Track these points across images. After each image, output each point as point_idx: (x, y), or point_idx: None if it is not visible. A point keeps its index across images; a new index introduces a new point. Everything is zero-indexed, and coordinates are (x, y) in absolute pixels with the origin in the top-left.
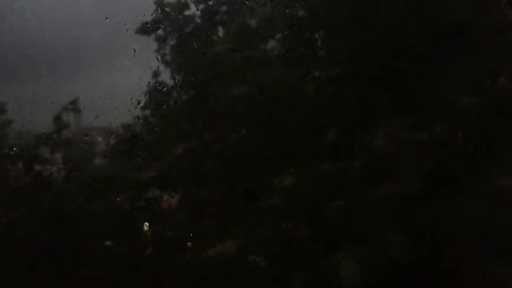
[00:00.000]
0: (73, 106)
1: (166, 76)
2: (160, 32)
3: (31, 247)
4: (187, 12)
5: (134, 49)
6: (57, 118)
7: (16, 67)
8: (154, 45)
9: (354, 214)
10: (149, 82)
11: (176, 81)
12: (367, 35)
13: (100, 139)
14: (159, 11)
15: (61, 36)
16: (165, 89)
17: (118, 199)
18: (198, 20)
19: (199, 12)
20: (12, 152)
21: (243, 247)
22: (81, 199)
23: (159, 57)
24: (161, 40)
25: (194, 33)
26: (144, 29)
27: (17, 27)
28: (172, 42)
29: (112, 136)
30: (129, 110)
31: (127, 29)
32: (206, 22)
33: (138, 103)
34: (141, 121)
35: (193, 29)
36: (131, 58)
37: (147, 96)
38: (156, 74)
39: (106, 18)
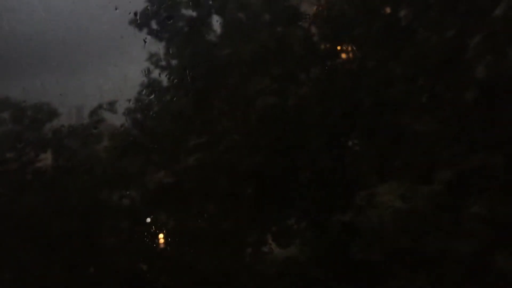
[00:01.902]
0: (111, 107)
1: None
2: (153, 25)
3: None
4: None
5: (145, 40)
6: (93, 113)
7: (24, 59)
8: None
9: None
10: (159, 74)
11: (187, 73)
12: None
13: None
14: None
15: (70, 27)
16: (175, 81)
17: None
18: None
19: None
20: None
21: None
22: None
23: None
24: (153, 34)
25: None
26: (136, 21)
27: (26, 18)
28: (165, 36)
29: (122, 128)
30: (139, 103)
31: (137, 20)
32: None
33: (148, 95)
34: (151, 113)
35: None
36: (141, 49)
37: (156, 89)
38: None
39: (116, 9)
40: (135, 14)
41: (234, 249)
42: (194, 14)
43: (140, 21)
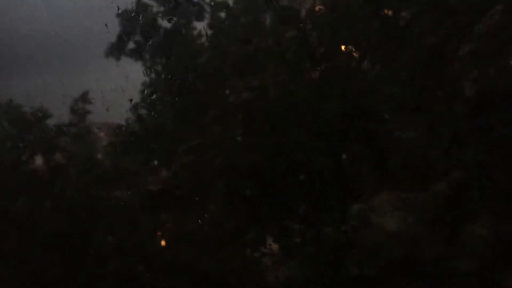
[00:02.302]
0: (84, 98)
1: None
2: (131, 45)
3: (47, 236)
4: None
5: (147, 39)
6: (74, 110)
7: (26, 58)
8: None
9: None
10: (161, 74)
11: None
12: None
13: (104, 134)
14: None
15: (72, 27)
16: (177, 81)
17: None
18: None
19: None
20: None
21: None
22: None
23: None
24: (133, 53)
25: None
26: (114, 50)
27: (28, 18)
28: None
29: (123, 128)
30: (142, 103)
31: (140, 20)
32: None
33: (150, 95)
34: (153, 113)
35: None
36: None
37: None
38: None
39: (118, 9)
40: (112, 45)
41: (233, 250)
42: (172, 23)
43: (117, 48)
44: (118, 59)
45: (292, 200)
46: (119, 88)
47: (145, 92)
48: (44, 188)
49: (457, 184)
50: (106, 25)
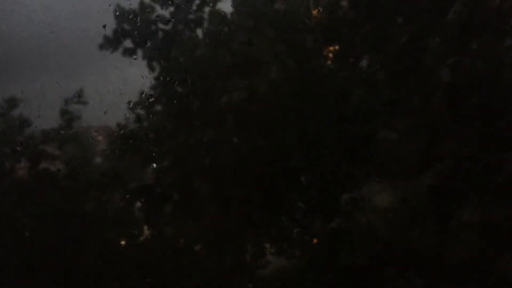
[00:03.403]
0: (79, 98)
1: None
2: (127, 43)
3: (35, 243)
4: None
5: (146, 41)
6: (64, 112)
7: (24, 61)
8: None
9: None
10: (159, 77)
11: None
12: None
13: (101, 137)
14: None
15: (70, 29)
16: (176, 83)
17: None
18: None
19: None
20: (18, 148)
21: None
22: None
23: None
24: (129, 52)
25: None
26: (109, 43)
27: (25, 20)
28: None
29: (122, 131)
30: (139, 106)
31: (138, 22)
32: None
33: (148, 99)
34: (151, 116)
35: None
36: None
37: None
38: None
39: (116, 12)
40: (105, 36)
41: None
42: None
43: (113, 42)
44: (113, 51)
45: (281, 197)
46: (117, 91)
47: (143, 94)
48: (31, 195)
49: (442, 176)
50: (104, 27)
